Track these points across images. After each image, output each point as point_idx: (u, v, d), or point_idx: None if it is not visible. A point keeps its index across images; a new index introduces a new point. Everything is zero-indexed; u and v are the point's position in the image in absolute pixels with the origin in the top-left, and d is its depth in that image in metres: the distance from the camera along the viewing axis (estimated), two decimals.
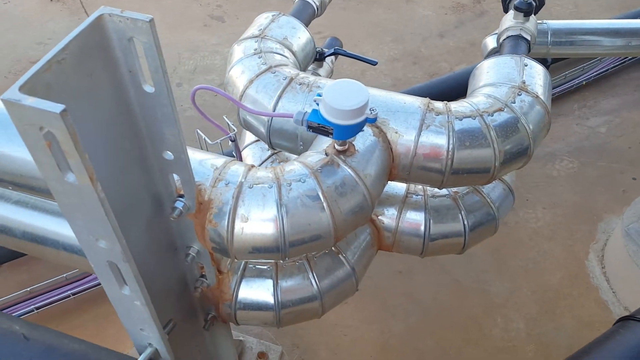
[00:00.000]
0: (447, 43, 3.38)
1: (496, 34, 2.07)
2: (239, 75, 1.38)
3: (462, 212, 1.45)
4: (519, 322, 2.04)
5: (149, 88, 0.79)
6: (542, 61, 2.47)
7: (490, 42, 2.10)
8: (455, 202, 1.47)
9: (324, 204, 1.07)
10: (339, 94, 1.04)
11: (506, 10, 1.85)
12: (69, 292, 2.10)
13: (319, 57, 1.94)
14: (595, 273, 2.15)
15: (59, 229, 1.18)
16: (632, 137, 2.78)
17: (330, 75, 2.02)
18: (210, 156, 1.14)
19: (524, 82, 1.33)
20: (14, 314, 2.06)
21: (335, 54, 1.95)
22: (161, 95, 0.79)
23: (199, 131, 1.37)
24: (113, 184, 0.78)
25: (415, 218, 1.45)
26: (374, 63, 1.92)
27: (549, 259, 2.24)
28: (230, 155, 1.31)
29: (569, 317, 2.04)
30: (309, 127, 1.07)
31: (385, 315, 2.07)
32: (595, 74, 3.03)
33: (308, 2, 1.75)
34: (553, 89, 2.97)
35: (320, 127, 1.06)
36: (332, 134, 1.05)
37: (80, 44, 0.69)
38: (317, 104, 1.06)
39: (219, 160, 1.12)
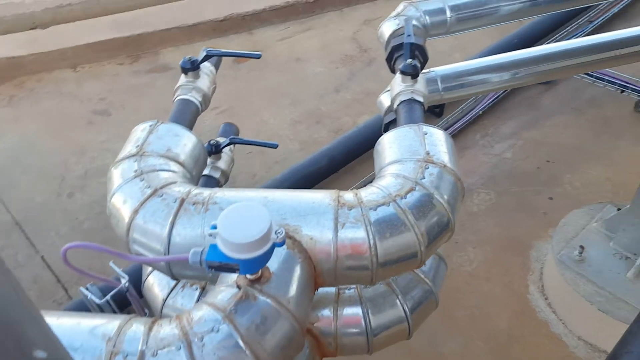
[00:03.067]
0: (344, 97, 3.39)
1: (389, 90, 2.06)
2: (121, 206, 1.20)
3: (399, 297, 1.35)
4: None
5: None
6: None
7: (385, 100, 2.07)
8: (389, 287, 1.37)
9: (247, 351, 0.92)
10: (235, 224, 0.91)
11: (393, 71, 1.83)
12: None
13: (216, 150, 1.82)
14: (540, 307, 2.12)
15: None
16: (537, 156, 2.86)
17: (232, 164, 1.90)
18: (101, 320, 0.96)
19: (429, 153, 1.27)
20: None
21: (231, 143, 1.83)
22: None
23: (82, 289, 1.18)
24: None
25: (353, 313, 1.34)
26: (274, 146, 1.82)
27: (492, 302, 2.19)
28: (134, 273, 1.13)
29: None
30: (210, 267, 0.92)
31: None
32: (489, 102, 3.12)
33: (188, 99, 1.60)
34: (454, 124, 3.03)
35: (223, 266, 0.92)
36: (238, 269, 0.92)
37: None
38: (214, 238, 0.92)
39: (113, 324, 0.94)
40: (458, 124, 3.04)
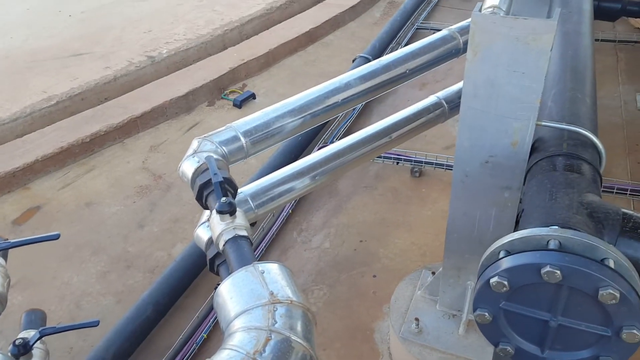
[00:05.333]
0: (151, 231, 3.22)
1: (206, 223, 2.02)
2: None
3: None
4: None
5: None
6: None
7: (202, 233, 2.02)
8: None
9: None
10: None
11: (206, 208, 1.81)
12: None
13: (24, 351, 1.53)
14: None
15: None
16: (351, 239, 3.06)
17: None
18: None
19: (272, 293, 1.25)
20: None
21: (42, 336, 1.57)
22: None
23: None
24: None
25: None
26: (95, 324, 1.61)
27: None
28: None
29: None
30: None
31: None
32: (292, 203, 3.27)
33: None
34: (270, 229, 3.09)
35: None
36: None
37: None
38: None
39: None
40: (274, 228, 3.11)
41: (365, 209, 3.29)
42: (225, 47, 5.19)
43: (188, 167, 1.83)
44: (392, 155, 3.60)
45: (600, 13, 3.72)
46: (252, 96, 4.40)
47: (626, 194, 3.09)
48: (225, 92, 4.52)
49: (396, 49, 4.65)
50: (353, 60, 4.74)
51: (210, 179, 1.66)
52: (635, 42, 4.93)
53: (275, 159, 3.40)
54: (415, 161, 3.58)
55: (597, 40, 4.90)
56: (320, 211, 3.29)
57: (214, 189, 1.61)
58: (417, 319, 2.17)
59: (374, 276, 2.80)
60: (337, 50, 5.35)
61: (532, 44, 1.58)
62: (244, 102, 4.32)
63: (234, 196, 1.75)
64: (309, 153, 3.28)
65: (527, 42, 1.58)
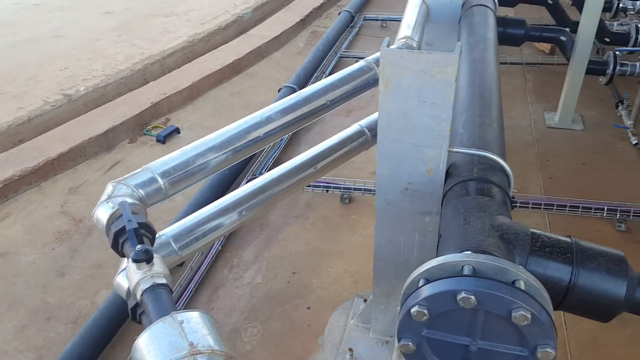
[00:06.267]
0: (72, 278, 3.05)
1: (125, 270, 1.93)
2: None
3: None
4: None
5: None
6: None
7: (122, 281, 1.94)
8: None
9: None
10: None
11: (122, 255, 1.73)
12: None
13: None
14: None
15: None
16: (284, 272, 3.03)
17: None
18: None
19: (192, 344, 1.20)
20: None
21: None
22: None
23: None
24: None
25: None
26: None
27: None
28: None
29: None
30: None
31: None
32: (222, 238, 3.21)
33: None
34: (199, 268, 3.00)
35: None
36: None
37: None
38: None
39: None
40: (203, 266, 3.02)
41: (297, 239, 3.28)
42: (146, 81, 5.09)
43: (102, 214, 1.75)
44: (322, 184, 3.63)
45: (507, 39, 3.98)
46: (177, 130, 4.32)
47: (540, 208, 3.27)
48: (147, 127, 4.41)
49: (321, 78, 4.77)
50: (279, 90, 4.78)
51: (124, 226, 1.59)
52: (541, 64, 5.29)
53: (202, 194, 3.34)
54: (344, 188, 3.62)
55: (506, 63, 5.21)
56: (251, 245, 3.24)
57: (129, 237, 1.54)
58: (350, 350, 2.17)
59: (308, 308, 2.77)
60: (262, 81, 5.38)
61: (438, 76, 1.65)
62: (167, 137, 4.23)
63: (152, 241, 1.70)
64: (238, 186, 3.26)
65: (433, 75, 1.65)
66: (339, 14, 6.57)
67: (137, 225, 1.55)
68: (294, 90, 4.42)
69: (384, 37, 1.77)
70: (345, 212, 3.52)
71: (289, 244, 3.24)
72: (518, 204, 3.28)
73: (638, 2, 5.11)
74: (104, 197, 1.84)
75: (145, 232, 1.66)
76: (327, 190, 3.65)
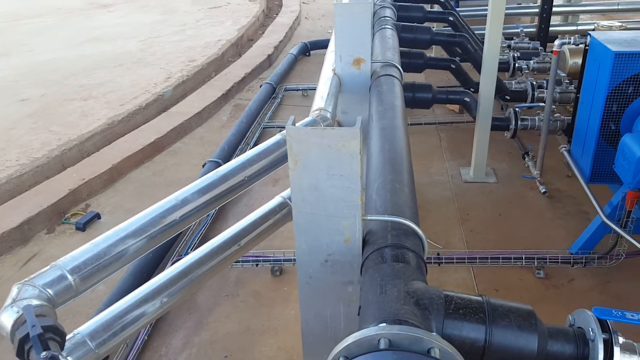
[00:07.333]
0: None
1: None
2: None
3: None
4: None
5: None
6: None
7: None
8: None
9: None
10: None
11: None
12: None
13: None
14: None
15: None
16: (216, 356, 2.90)
17: None
18: None
19: None
20: None
21: None
22: None
23: None
24: None
25: None
26: None
27: None
28: None
29: None
30: None
31: None
32: (149, 325, 3.06)
33: None
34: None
35: None
36: None
37: None
38: None
39: None
40: (129, 359, 2.85)
41: (228, 320, 3.18)
42: (64, 167, 4.92)
43: (6, 320, 1.63)
44: (251, 258, 3.58)
45: (417, 102, 4.22)
46: (97, 216, 4.17)
47: (465, 262, 3.37)
48: (66, 215, 4.22)
49: (246, 149, 4.80)
50: (203, 165, 4.76)
51: (28, 332, 1.49)
52: (452, 122, 5.62)
53: (124, 282, 3.19)
54: (274, 260, 3.59)
55: (421, 124, 5.50)
56: (180, 331, 3.10)
57: (33, 344, 1.44)
58: None
59: None
60: (186, 157, 5.35)
61: (343, 150, 1.71)
62: (87, 224, 4.06)
63: (62, 345, 1.59)
64: (164, 268, 3.15)
65: (338, 149, 1.71)
66: (261, 86, 6.74)
67: (41, 331, 1.45)
68: (218, 165, 4.41)
69: (305, 106, 1.83)
70: (277, 285, 3.47)
71: (220, 326, 3.13)
72: (444, 260, 3.37)
73: (532, 62, 5.61)
74: (8, 301, 1.72)
75: (53, 335, 1.56)
76: (257, 264, 3.60)
